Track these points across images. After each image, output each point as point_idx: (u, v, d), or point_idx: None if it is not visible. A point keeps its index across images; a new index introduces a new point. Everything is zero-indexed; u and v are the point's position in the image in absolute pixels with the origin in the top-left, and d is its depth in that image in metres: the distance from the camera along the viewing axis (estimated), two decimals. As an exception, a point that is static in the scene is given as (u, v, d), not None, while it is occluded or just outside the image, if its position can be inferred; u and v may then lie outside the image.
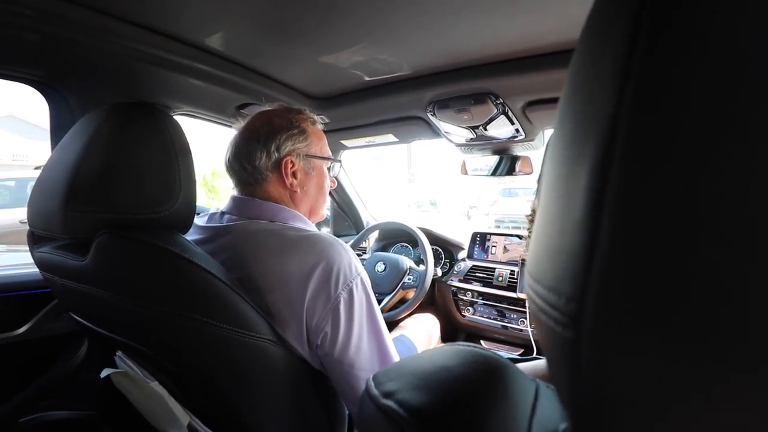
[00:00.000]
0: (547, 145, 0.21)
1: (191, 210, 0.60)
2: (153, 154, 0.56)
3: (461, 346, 0.28)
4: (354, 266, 0.64)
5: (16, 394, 0.87)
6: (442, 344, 0.30)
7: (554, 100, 0.95)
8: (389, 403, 0.24)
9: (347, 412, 0.74)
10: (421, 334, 1.18)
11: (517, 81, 0.88)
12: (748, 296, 0.12)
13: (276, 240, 0.64)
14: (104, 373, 0.68)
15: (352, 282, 0.62)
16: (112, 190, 0.54)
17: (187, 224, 0.61)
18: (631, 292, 0.13)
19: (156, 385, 0.62)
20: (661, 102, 0.13)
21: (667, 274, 0.13)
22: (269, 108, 0.79)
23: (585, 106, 0.16)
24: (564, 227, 0.16)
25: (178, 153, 0.58)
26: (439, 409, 0.23)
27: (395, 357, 0.67)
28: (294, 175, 0.73)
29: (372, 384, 0.26)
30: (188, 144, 0.61)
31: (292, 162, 0.73)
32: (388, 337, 0.67)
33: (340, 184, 1.67)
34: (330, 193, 1.73)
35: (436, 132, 1.23)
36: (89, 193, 0.53)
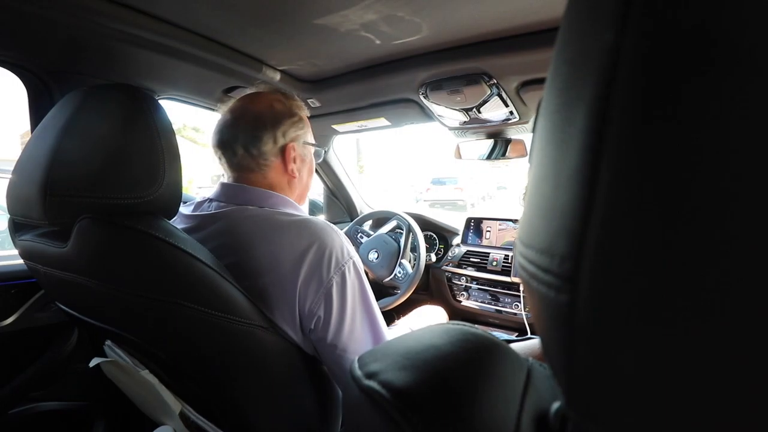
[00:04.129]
0: (538, 108, 0.19)
1: (177, 195, 0.58)
2: (134, 137, 0.54)
3: (451, 325, 0.27)
4: (346, 250, 0.63)
5: (5, 385, 0.86)
6: (432, 324, 0.29)
7: None
8: (372, 384, 0.22)
9: (341, 397, 0.74)
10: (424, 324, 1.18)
11: (511, 60, 0.86)
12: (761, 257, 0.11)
13: (267, 225, 0.63)
14: (93, 362, 0.67)
15: (344, 266, 0.62)
16: (92, 173, 0.51)
17: (172, 210, 0.59)
18: (634, 249, 0.12)
19: (146, 374, 0.61)
20: (674, 28, 0.11)
21: (676, 230, 0.11)
22: (262, 91, 0.77)
23: (581, 44, 0.14)
24: (558, 182, 0.14)
25: (161, 135, 0.56)
26: (425, 389, 0.21)
27: None
28: (294, 161, 0.74)
29: (356, 365, 0.24)
30: (171, 126, 0.58)
31: (293, 148, 0.74)
32: (382, 320, 0.67)
33: (332, 170, 1.65)
34: (323, 180, 1.71)
35: (428, 115, 1.21)
36: (68, 177, 0.51)
